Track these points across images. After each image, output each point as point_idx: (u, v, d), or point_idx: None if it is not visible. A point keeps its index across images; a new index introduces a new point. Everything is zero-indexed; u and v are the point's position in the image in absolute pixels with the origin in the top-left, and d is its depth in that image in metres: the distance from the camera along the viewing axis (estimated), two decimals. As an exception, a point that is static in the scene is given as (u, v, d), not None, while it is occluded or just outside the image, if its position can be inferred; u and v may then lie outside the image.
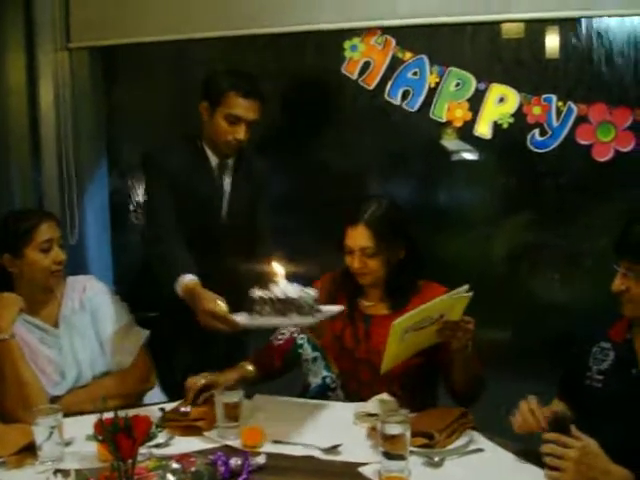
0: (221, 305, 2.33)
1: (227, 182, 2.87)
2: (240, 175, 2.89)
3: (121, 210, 3.85)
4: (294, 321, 2.23)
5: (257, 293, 2.22)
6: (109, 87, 3.76)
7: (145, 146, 3.08)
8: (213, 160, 2.82)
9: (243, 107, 2.69)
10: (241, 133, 2.71)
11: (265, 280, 2.31)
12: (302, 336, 2.55)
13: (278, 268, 2.29)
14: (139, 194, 3.71)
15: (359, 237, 2.47)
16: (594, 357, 2.13)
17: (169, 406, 2.34)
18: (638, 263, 1.95)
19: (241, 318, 2.24)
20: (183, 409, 2.26)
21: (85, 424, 2.09)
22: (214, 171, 2.83)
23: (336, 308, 2.40)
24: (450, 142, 3.36)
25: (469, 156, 3.37)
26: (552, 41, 3.08)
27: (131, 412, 1.62)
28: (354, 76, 3.09)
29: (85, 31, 3.44)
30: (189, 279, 2.47)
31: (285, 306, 2.19)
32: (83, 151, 3.63)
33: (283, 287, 2.22)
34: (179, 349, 2.88)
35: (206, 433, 2.19)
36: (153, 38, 3.42)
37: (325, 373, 2.46)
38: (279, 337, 2.59)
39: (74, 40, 3.45)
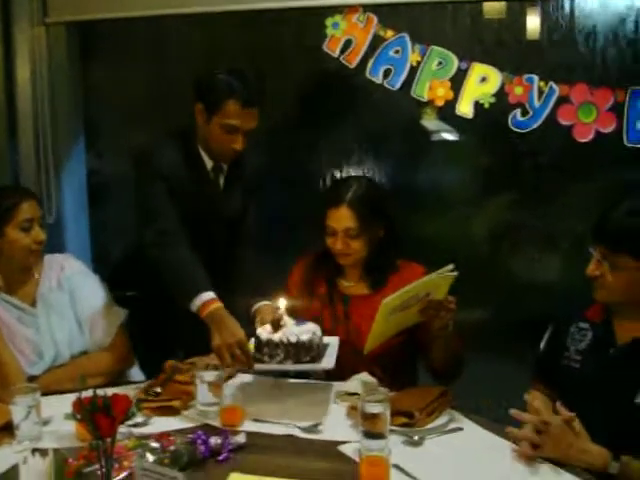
0: (249, 343, 2.27)
1: (221, 184, 2.76)
2: (234, 175, 2.77)
3: (99, 190, 3.80)
4: (308, 367, 2.22)
5: (266, 335, 2.20)
6: (87, 64, 3.68)
7: (135, 142, 3.05)
8: (208, 163, 2.68)
9: (242, 117, 2.52)
10: (238, 143, 2.55)
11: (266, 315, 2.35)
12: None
13: (282, 304, 2.28)
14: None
15: (342, 218, 2.46)
16: (572, 337, 2.14)
17: (142, 386, 2.34)
18: (613, 251, 1.95)
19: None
20: (155, 389, 2.26)
21: (63, 403, 2.08)
22: (209, 174, 2.70)
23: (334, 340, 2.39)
24: (430, 122, 3.35)
25: (450, 136, 3.37)
26: (533, 21, 3.07)
27: (109, 391, 1.60)
28: (335, 54, 3.06)
29: (62, 6, 3.36)
30: (209, 298, 2.37)
31: (297, 350, 2.18)
32: (60, 129, 3.55)
33: (293, 330, 2.21)
34: (159, 328, 2.85)
35: (185, 412, 2.18)
36: (132, 13, 3.34)
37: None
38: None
39: (51, 15, 3.37)
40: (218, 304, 2.36)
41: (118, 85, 3.71)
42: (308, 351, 2.19)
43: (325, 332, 2.51)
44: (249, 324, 2.44)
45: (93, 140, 3.79)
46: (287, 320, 2.25)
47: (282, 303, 2.29)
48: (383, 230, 2.53)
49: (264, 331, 2.23)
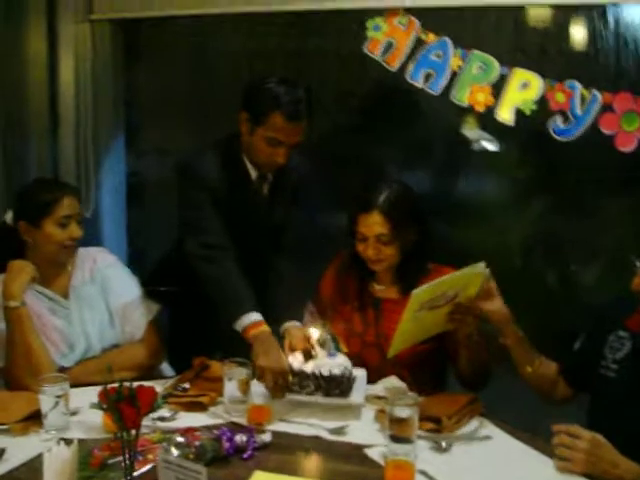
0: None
1: (266, 193, 2.71)
2: (279, 184, 2.72)
3: (138, 192, 3.84)
4: (338, 403, 2.17)
5: (298, 365, 2.19)
6: (131, 63, 3.72)
7: (179, 153, 3.02)
8: (253, 173, 2.63)
9: (287, 131, 2.45)
10: (281, 157, 2.49)
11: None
12: (323, 326, 2.52)
13: (314, 334, 2.28)
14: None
15: (374, 224, 2.42)
16: (610, 345, 2.11)
17: (171, 381, 2.34)
18: None
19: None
20: (182, 385, 2.27)
21: (92, 395, 2.09)
22: (254, 183, 2.65)
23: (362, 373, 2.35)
24: (472, 131, 3.33)
25: (490, 145, 3.34)
26: (578, 28, 3.04)
27: (136, 384, 1.60)
28: (376, 55, 3.04)
29: (107, 3, 3.40)
30: (256, 320, 2.35)
31: (328, 383, 2.17)
32: (101, 126, 3.58)
33: (326, 362, 2.19)
34: (195, 326, 2.85)
35: (212, 409, 2.18)
36: (176, 12, 3.38)
37: (334, 349, 2.44)
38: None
39: (96, 12, 3.41)
40: (265, 328, 2.34)
41: (161, 85, 3.74)
42: (338, 385, 2.17)
43: (355, 335, 2.53)
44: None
45: (133, 140, 3.82)
46: (319, 351, 2.25)
47: (314, 332, 2.28)
48: (416, 234, 2.50)
49: (295, 360, 2.21)
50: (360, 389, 2.24)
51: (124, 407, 1.46)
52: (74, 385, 2.10)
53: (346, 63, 3.45)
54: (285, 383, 2.21)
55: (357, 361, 2.37)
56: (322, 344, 2.30)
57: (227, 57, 3.64)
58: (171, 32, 3.63)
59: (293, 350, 2.32)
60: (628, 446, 1.83)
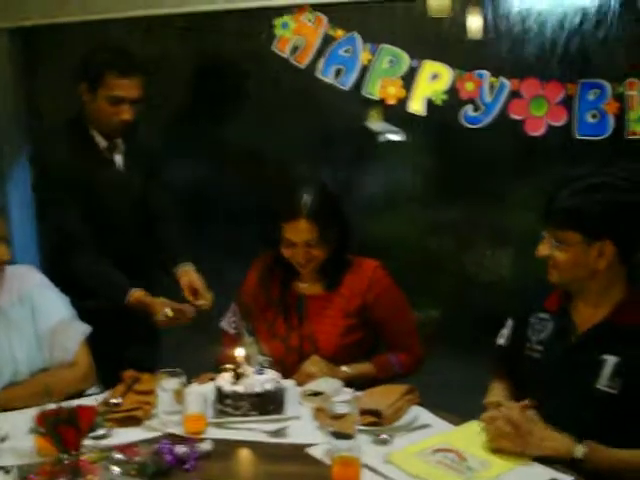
0: (170, 314, 2.59)
1: (119, 162, 2.84)
2: (134, 153, 2.87)
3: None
4: (276, 419, 2.13)
5: (229, 387, 2.15)
6: (32, 73, 3.61)
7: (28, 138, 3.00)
8: (102, 142, 2.78)
9: (124, 87, 2.64)
10: (126, 113, 2.67)
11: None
12: (242, 324, 2.51)
13: (240, 353, 2.24)
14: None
15: (301, 231, 2.43)
16: (532, 328, 2.16)
17: (100, 397, 2.27)
18: (559, 229, 2.00)
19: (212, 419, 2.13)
20: (114, 400, 2.19)
21: (20, 419, 2.04)
22: (104, 153, 2.80)
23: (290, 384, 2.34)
24: (377, 123, 3.36)
25: (396, 136, 3.38)
26: (477, 19, 3.09)
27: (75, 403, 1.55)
28: (285, 54, 3.04)
29: (2, 11, 3.28)
30: (134, 292, 2.66)
31: (263, 401, 2.13)
32: (4, 141, 3.48)
33: (256, 379, 2.17)
34: (115, 340, 2.80)
35: (147, 422, 2.13)
36: (74, 18, 3.29)
37: (260, 357, 2.42)
38: (232, 325, 2.55)
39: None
40: (139, 292, 2.66)
41: (61, 95, 3.63)
42: (272, 400, 2.15)
43: (278, 339, 2.54)
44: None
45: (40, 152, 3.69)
46: (247, 368, 2.22)
47: (240, 352, 2.24)
48: (338, 232, 2.52)
49: (225, 382, 2.18)
50: (293, 400, 2.22)
51: (64, 429, 1.40)
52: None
53: (252, 62, 3.44)
54: (178, 308, 2.61)
55: (279, 366, 2.35)
56: (249, 360, 2.28)
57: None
58: (71, 39, 3.52)
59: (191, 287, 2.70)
60: (557, 424, 1.89)
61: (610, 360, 1.94)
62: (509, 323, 2.30)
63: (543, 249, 2.05)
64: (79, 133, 2.76)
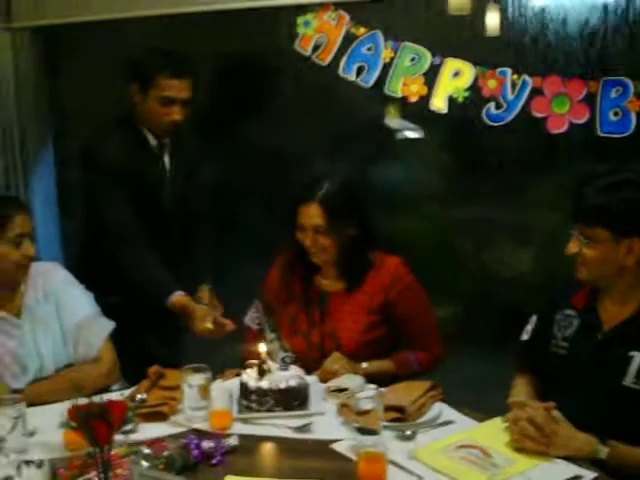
0: (208, 325, 2.56)
1: (167, 162, 2.88)
2: (179, 153, 2.91)
3: (70, 201, 3.74)
4: (300, 414, 2.15)
5: (253, 383, 2.17)
6: (54, 71, 3.64)
7: (82, 138, 3.01)
8: (152, 141, 2.83)
9: (175, 88, 2.69)
10: (176, 114, 2.72)
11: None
12: (266, 320, 2.52)
13: (263, 348, 2.25)
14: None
15: (312, 215, 2.47)
16: (558, 324, 2.17)
17: (126, 393, 2.29)
18: (588, 226, 2.00)
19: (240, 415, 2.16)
20: (139, 396, 2.22)
21: (47, 414, 2.07)
22: (155, 152, 2.85)
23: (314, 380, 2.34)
24: (394, 119, 3.36)
25: (414, 133, 3.38)
26: (497, 16, 3.07)
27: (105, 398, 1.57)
28: (308, 52, 3.05)
29: (27, 11, 3.31)
30: (178, 295, 2.64)
31: (287, 397, 2.15)
32: (27, 137, 3.51)
33: (280, 375, 2.19)
34: (139, 336, 2.83)
35: (172, 417, 2.15)
36: (97, 16, 3.32)
37: (283, 353, 2.45)
38: (255, 321, 2.57)
39: (15, 19, 3.32)
40: (184, 297, 2.65)
41: (86, 93, 3.66)
42: (297, 396, 2.17)
43: (300, 335, 2.56)
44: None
45: (62, 151, 3.72)
46: (271, 364, 2.23)
47: (263, 347, 2.26)
48: (355, 228, 2.53)
49: (250, 378, 2.19)
50: (317, 395, 2.24)
51: (95, 423, 1.42)
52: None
53: (274, 61, 3.45)
54: (221, 321, 2.56)
55: (301, 362, 2.37)
56: (272, 356, 2.30)
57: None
58: (93, 36, 3.55)
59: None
60: (582, 421, 1.89)
61: (637, 357, 1.96)
62: (533, 319, 2.30)
63: (572, 247, 2.05)
64: (131, 132, 2.80)
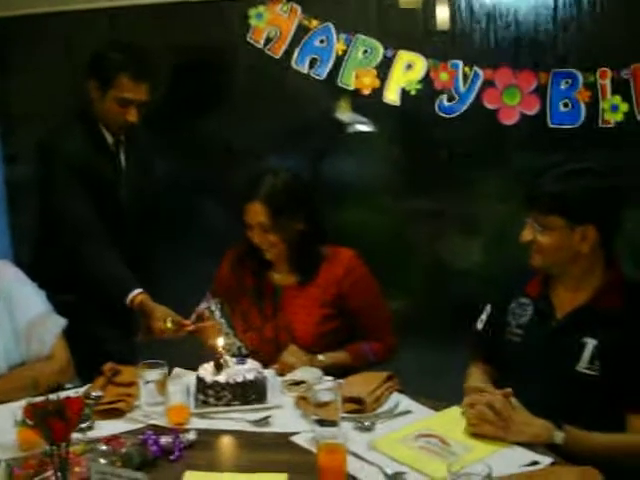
0: (168, 325, 2.50)
1: (123, 158, 2.87)
2: (134, 150, 2.91)
3: (20, 197, 3.67)
4: (259, 408, 2.14)
5: (210, 377, 2.15)
6: (4, 64, 3.55)
7: (38, 131, 2.96)
8: (109, 138, 2.81)
9: (134, 90, 2.68)
10: (132, 115, 2.71)
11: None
12: (217, 303, 2.49)
13: (220, 342, 2.25)
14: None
15: (256, 213, 2.46)
16: (512, 312, 2.20)
17: (80, 391, 2.25)
18: (543, 214, 2.04)
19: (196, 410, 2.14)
20: (94, 393, 2.19)
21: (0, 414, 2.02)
22: (111, 149, 2.83)
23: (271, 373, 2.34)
24: (345, 113, 3.36)
25: (365, 127, 3.38)
26: (449, 9, 3.09)
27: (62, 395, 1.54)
28: (260, 45, 3.05)
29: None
30: (137, 293, 2.60)
31: (245, 391, 2.14)
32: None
33: (238, 369, 2.18)
34: (92, 334, 2.80)
35: (129, 414, 2.13)
36: (39, 9, 3.27)
37: (239, 343, 2.44)
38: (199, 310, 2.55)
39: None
40: (143, 296, 2.60)
41: (35, 86, 3.59)
42: (254, 389, 2.16)
43: (253, 329, 2.55)
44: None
45: (9, 145, 3.65)
46: (228, 359, 2.22)
47: (220, 342, 2.25)
48: (303, 223, 2.53)
49: (206, 372, 2.18)
50: (274, 389, 2.24)
51: (53, 421, 1.40)
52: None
53: (226, 54, 3.42)
54: (177, 321, 2.50)
55: (255, 357, 2.37)
56: (228, 350, 2.29)
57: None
58: (37, 30, 3.47)
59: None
60: (538, 407, 1.92)
61: (590, 343, 1.99)
62: (487, 308, 2.33)
63: (527, 234, 2.08)
64: (89, 127, 2.78)
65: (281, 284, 2.59)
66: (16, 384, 2.16)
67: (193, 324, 2.47)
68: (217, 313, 2.44)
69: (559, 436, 1.86)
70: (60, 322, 2.46)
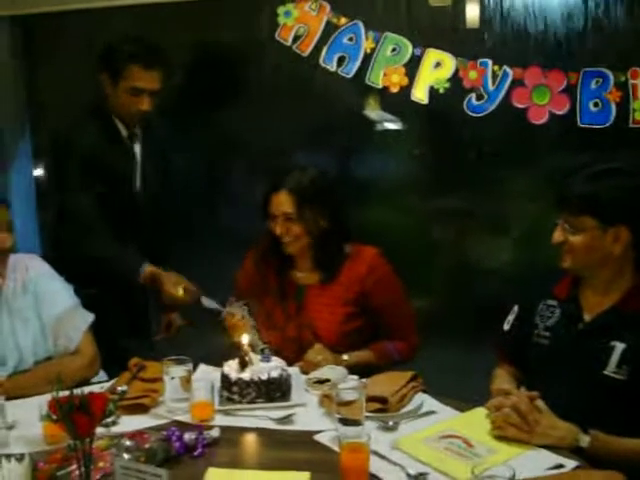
0: (180, 293, 2.61)
1: (138, 152, 2.90)
2: (149, 143, 2.93)
3: (47, 193, 3.70)
4: (282, 406, 2.13)
5: (235, 374, 2.16)
6: (31, 62, 3.59)
7: (54, 125, 3.00)
8: (123, 131, 2.84)
9: (145, 79, 2.71)
10: (145, 104, 2.74)
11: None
12: (244, 306, 2.50)
13: (245, 339, 2.25)
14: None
15: (282, 203, 2.48)
16: (540, 314, 2.18)
17: (106, 386, 2.28)
18: (574, 215, 2.01)
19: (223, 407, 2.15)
20: (120, 388, 2.20)
21: (27, 407, 2.05)
22: (125, 142, 2.86)
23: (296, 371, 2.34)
24: (374, 111, 3.35)
25: (394, 125, 3.37)
26: (478, 8, 3.07)
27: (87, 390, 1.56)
28: (288, 42, 3.05)
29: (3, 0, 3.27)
30: (149, 266, 2.69)
31: (269, 388, 2.14)
32: (5, 130, 3.47)
33: (262, 367, 2.18)
34: (117, 327, 2.82)
35: (154, 410, 2.14)
36: (74, 6, 3.29)
37: (262, 345, 2.44)
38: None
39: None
40: (152, 268, 2.69)
41: (65, 83, 3.62)
42: (278, 387, 2.16)
43: (276, 328, 2.55)
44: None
45: (40, 141, 3.68)
46: (252, 356, 2.23)
47: (246, 339, 2.26)
48: (327, 220, 2.53)
49: (231, 370, 2.19)
50: (298, 387, 2.24)
51: (77, 416, 1.41)
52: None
53: (252, 51, 3.43)
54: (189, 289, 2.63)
55: (278, 355, 2.34)
56: (253, 348, 2.29)
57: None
58: (71, 27, 3.51)
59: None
60: (564, 411, 1.90)
61: (618, 347, 1.97)
62: (515, 309, 2.31)
63: (558, 236, 2.06)
64: (103, 121, 2.81)
65: (304, 283, 2.59)
66: (42, 378, 2.20)
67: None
68: (246, 314, 2.44)
69: (585, 440, 1.84)
70: (87, 317, 2.47)
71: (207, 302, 2.55)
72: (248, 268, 2.68)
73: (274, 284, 2.61)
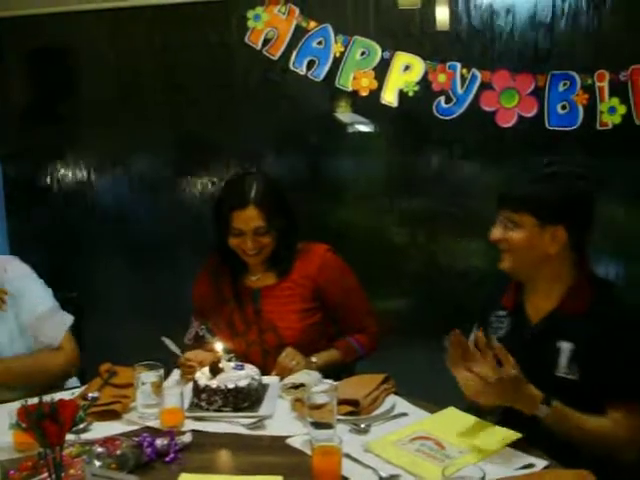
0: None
1: None
2: None
3: (18, 197, 3.68)
4: (248, 415, 2.11)
5: (204, 381, 2.15)
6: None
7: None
8: None
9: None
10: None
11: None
12: (202, 327, 2.53)
13: (219, 347, 2.25)
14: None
15: (251, 218, 2.44)
16: (492, 326, 2.19)
17: (78, 392, 2.27)
18: (515, 212, 2.02)
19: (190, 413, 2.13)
20: (91, 394, 2.19)
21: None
22: None
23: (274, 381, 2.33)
24: (344, 113, 3.36)
25: (365, 127, 3.38)
26: (447, 11, 3.09)
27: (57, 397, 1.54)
28: (258, 46, 3.05)
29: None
30: None
31: (236, 398, 2.13)
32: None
33: (232, 375, 2.17)
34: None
35: (125, 415, 2.13)
36: (37, 10, 3.28)
37: (227, 355, 2.44)
38: (189, 337, 2.59)
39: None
40: None
41: (30, 87, 3.59)
42: (247, 396, 2.15)
43: (238, 335, 2.54)
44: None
45: (6, 145, 3.65)
46: (225, 364, 2.22)
47: (219, 347, 2.26)
48: (284, 221, 2.53)
49: (202, 376, 2.18)
50: (272, 397, 2.23)
51: (47, 425, 1.40)
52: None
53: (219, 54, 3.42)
54: None
55: (243, 361, 2.35)
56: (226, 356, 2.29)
57: (94, 55, 3.51)
58: (34, 31, 3.48)
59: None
60: (524, 417, 1.90)
61: (565, 347, 1.99)
62: (474, 327, 2.29)
63: (496, 232, 2.07)
64: None
65: (259, 286, 2.59)
66: (21, 367, 2.26)
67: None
68: (207, 335, 2.47)
69: (543, 410, 1.87)
70: (67, 318, 2.50)
71: (167, 342, 2.50)
72: (202, 286, 2.68)
73: (229, 293, 2.60)
